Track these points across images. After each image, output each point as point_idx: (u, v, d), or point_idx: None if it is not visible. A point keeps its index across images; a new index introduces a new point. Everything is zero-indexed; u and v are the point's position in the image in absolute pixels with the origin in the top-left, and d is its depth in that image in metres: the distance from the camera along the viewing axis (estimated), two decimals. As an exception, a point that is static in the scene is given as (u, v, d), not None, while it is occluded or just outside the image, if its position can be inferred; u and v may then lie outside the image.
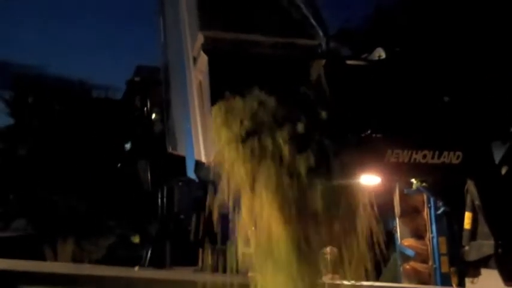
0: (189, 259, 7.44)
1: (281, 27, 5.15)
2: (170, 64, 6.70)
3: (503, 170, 6.25)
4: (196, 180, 5.12)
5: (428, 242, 7.21)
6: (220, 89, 4.76)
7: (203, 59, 4.92)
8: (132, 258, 9.14)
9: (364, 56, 6.84)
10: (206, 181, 5.01)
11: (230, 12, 5.06)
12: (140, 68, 10.58)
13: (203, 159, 4.88)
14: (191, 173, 5.12)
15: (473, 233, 6.43)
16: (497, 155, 6.16)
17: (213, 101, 4.74)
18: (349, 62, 6.12)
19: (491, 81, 6.58)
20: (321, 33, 5.20)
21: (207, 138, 4.83)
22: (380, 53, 6.44)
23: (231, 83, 4.81)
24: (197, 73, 5.12)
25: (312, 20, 5.19)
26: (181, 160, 6.43)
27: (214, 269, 5.53)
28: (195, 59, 5.11)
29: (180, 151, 5.86)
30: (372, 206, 4.83)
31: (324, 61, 5.17)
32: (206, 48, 4.88)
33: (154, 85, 8.76)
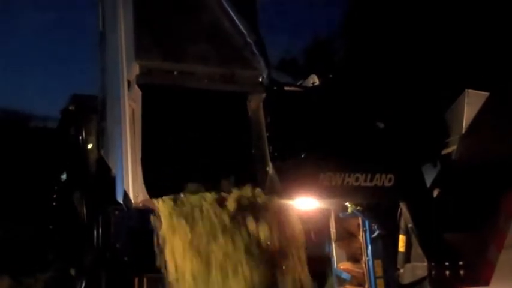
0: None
1: (222, 57, 5.03)
2: (107, 89, 6.56)
3: (435, 193, 6.37)
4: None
5: (364, 265, 7.26)
6: (153, 124, 4.68)
7: (137, 89, 4.77)
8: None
9: (299, 82, 6.95)
10: (142, 210, 4.91)
11: (168, 41, 4.91)
12: (75, 96, 10.37)
13: (130, 195, 4.72)
14: (120, 198, 4.97)
15: (408, 256, 6.52)
16: (429, 177, 6.29)
17: (145, 136, 4.64)
18: (285, 88, 6.19)
19: (422, 105, 6.74)
20: (262, 63, 5.10)
21: (136, 172, 4.65)
22: (314, 79, 6.55)
23: (164, 118, 4.74)
24: (131, 101, 4.95)
25: (254, 49, 5.11)
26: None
27: None
28: (129, 83, 4.98)
29: (113, 169, 5.73)
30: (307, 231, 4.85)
31: (263, 94, 5.11)
32: (140, 83, 4.73)
33: (89, 113, 8.58)
